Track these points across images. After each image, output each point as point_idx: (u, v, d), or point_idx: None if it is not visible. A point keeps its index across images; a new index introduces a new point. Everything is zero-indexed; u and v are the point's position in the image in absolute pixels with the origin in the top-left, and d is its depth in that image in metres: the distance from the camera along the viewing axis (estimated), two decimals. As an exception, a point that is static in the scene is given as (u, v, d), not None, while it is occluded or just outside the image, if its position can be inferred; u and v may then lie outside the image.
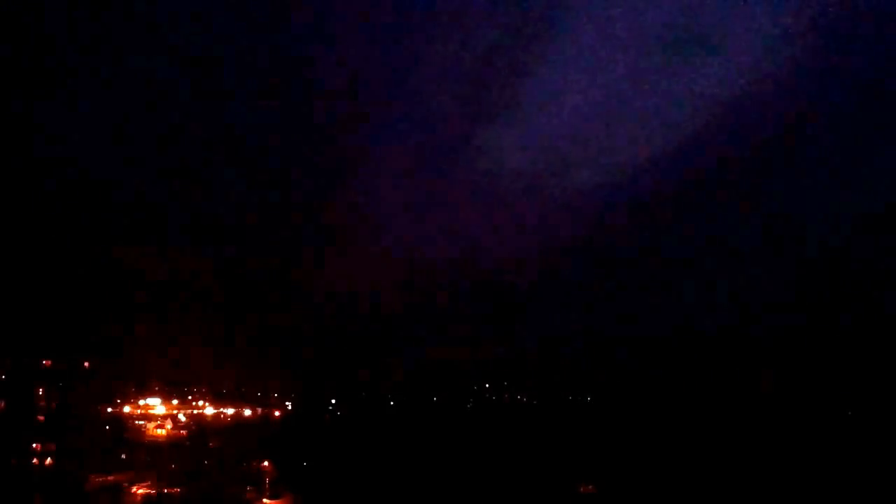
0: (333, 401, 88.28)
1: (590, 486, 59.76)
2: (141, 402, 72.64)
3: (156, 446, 64.31)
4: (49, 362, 54.60)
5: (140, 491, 52.40)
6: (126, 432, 65.30)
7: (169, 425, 71.13)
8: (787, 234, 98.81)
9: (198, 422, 73.50)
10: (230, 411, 78.95)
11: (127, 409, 70.96)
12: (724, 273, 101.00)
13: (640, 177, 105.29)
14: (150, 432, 68.91)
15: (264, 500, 54.75)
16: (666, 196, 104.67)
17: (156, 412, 72.55)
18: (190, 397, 76.69)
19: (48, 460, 50.80)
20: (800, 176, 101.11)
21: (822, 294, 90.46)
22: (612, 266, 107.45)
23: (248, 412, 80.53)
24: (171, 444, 65.77)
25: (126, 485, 52.39)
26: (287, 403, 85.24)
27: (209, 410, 77.50)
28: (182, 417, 73.60)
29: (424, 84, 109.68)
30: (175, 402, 74.87)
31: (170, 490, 52.89)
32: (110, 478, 52.54)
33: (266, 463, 58.65)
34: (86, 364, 57.01)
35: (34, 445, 51.12)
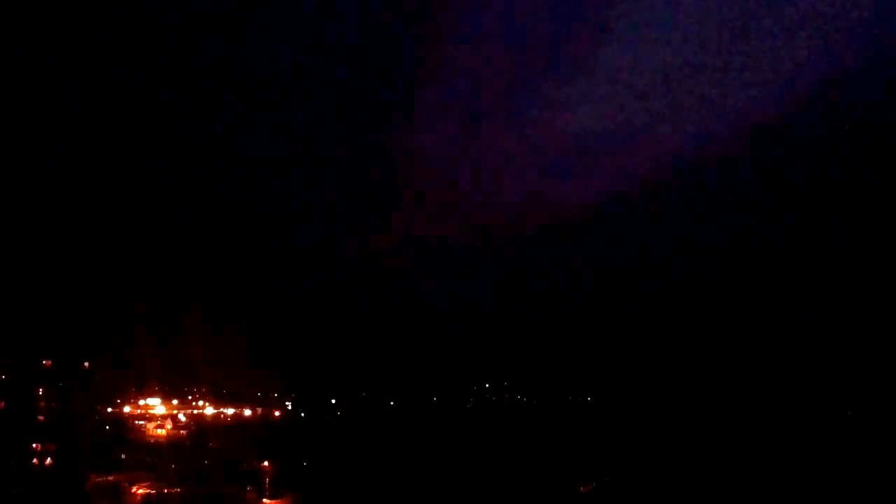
0: (333, 401, 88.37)
1: (590, 486, 59.85)
2: (141, 402, 72.65)
3: (156, 446, 64.40)
4: (49, 362, 54.65)
5: (140, 491, 52.38)
6: (126, 432, 65.40)
7: (169, 425, 71.17)
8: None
9: (198, 422, 73.56)
10: (230, 411, 79.00)
11: (127, 409, 71.00)
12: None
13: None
14: (150, 432, 68.94)
15: (264, 500, 54.75)
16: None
17: (156, 412, 72.56)
18: (190, 397, 76.70)
19: (48, 460, 50.83)
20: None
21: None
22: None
23: (248, 412, 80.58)
24: (171, 444, 65.85)
25: (126, 485, 52.36)
26: (287, 403, 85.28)
27: (209, 410, 77.52)
28: (182, 417, 73.64)
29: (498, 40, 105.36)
30: (175, 402, 74.89)
31: (170, 490, 52.88)
32: (110, 478, 52.53)
33: (266, 463, 58.63)
34: (86, 364, 57.06)
35: (34, 445, 51.15)
